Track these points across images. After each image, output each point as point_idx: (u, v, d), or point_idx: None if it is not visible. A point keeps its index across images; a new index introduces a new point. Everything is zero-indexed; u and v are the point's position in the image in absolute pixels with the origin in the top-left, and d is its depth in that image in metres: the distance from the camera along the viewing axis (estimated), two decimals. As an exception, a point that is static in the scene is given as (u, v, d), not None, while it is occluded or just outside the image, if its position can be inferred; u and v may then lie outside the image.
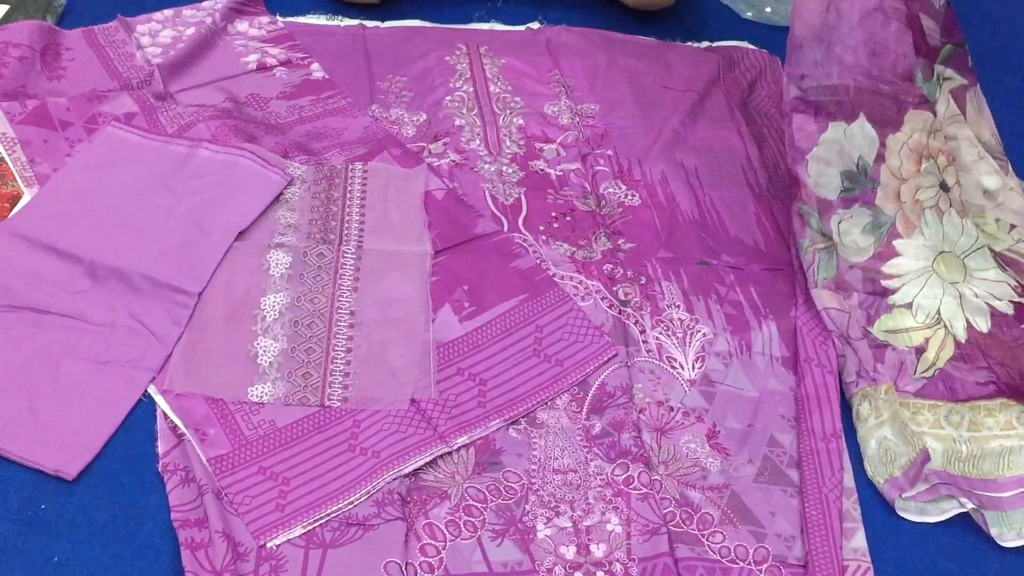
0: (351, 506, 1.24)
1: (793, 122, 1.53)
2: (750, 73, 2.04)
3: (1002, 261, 1.51)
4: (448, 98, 1.88)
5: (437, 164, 1.73)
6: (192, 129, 1.70)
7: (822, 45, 1.50)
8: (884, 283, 1.49)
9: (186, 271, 1.45)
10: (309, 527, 1.21)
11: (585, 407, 1.40)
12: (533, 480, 1.31)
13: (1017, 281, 1.49)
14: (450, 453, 1.32)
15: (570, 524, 1.27)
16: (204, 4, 2.01)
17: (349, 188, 1.64)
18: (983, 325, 1.45)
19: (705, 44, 2.13)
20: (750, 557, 1.26)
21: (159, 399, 1.33)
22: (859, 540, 1.29)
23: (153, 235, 1.50)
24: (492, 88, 1.93)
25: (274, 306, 1.44)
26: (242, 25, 1.99)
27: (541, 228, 1.64)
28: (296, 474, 1.26)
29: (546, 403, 1.39)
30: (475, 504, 1.28)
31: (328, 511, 1.23)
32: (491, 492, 1.29)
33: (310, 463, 1.28)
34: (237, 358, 1.37)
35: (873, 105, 1.51)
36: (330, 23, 2.06)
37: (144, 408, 1.33)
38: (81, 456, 1.25)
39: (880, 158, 1.53)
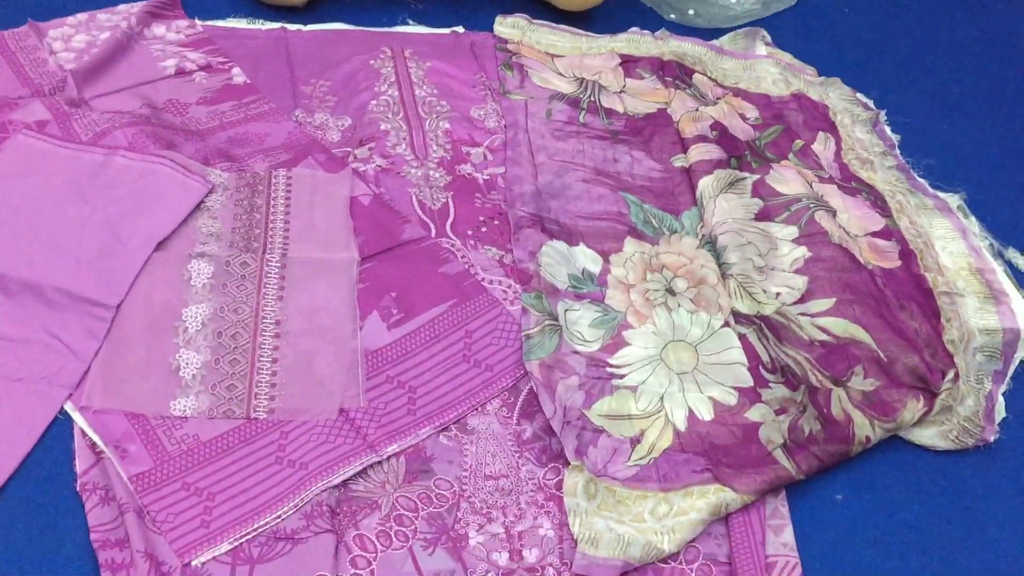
0: (279, 520, 1.22)
1: (524, 233, 1.62)
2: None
3: (770, 326, 1.52)
4: (373, 102, 1.87)
5: (363, 169, 1.72)
6: (108, 136, 1.66)
7: (545, 196, 1.70)
8: (609, 370, 1.46)
9: (103, 283, 1.41)
10: (236, 543, 1.19)
11: (516, 412, 1.40)
12: (465, 487, 1.31)
13: (776, 347, 1.50)
14: (380, 462, 1.31)
15: (502, 530, 1.27)
16: (119, 8, 1.96)
17: (273, 195, 1.62)
18: (706, 414, 1.42)
19: (630, 46, 2.16)
20: (681, 556, 1.28)
21: (76, 416, 1.29)
22: (787, 536, 1.32)
23: (68, 247, 1.46)
24: (418, 92, 1.92)
25: (196, 317, 1.41)
26: (159, 29, 1.95)
27: (469, 232, 1.64)
28: (221, 489, 1.24)
29: (477, 409, 1.39)
30: (406, 513, 1.27)
31: (255, 526, 1.21)
32: (422, 500, 1.29)
33: (236, 477, 1.25)
34: (158, 371, 1.34)
35: (592, 234, 1.67)
36: (251, 26, 2.02)
37: (61, 426, 1.30)
38: (-6, 478, 1.21)
39: (606, 270, 1.61)
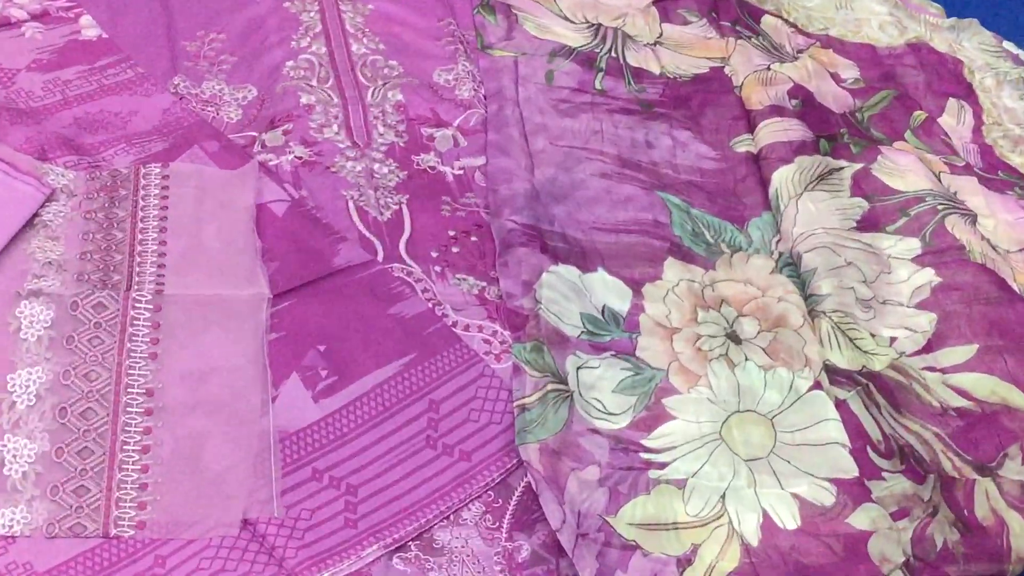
0: None
1: (516, 253, 1.64)
2: None
3: (881, 387, 1.55)
4: (290, 64, 1.88)
5: (275, 163, 1.73)
6: None
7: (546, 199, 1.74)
8: (645, 456, 1.47)
9: None
10: None
11: (506, 521, 1.41)
12: (431, 635, 1.31)
13: (891, 419, 1.53)
14: (305, 600, 1.31)
15: None
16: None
17: (142, 203, 1.63)
18: (789, 520, 1.43)
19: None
20: None
21: None
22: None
23: None
24: (355, 47, 1.94)
25: (28, 386, 1.41)
26: (-31, -41, 1.97)
27: (434, 255, 1.65)
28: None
29: (448, 517, 1.39)
30: (344, 676, 1.27)
31: None
32: (368, 656, 1.29)
33: (89, 626, 1.25)
34: (-28, 469, 1.35)
35: (616, 254, 1.70)
36: (109, -45, 2.05)
37: None
38: None
39: (638, 308, 1.63)
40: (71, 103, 1.78)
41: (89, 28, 1.90)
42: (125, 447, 1.38)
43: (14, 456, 1.36)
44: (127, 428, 1.40)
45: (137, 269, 1.55)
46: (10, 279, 1.51)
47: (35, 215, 1.58)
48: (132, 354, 1.46)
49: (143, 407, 1.42)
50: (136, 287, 1.53)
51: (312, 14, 1.98)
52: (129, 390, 1.43)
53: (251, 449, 1.40)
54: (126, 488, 1.35)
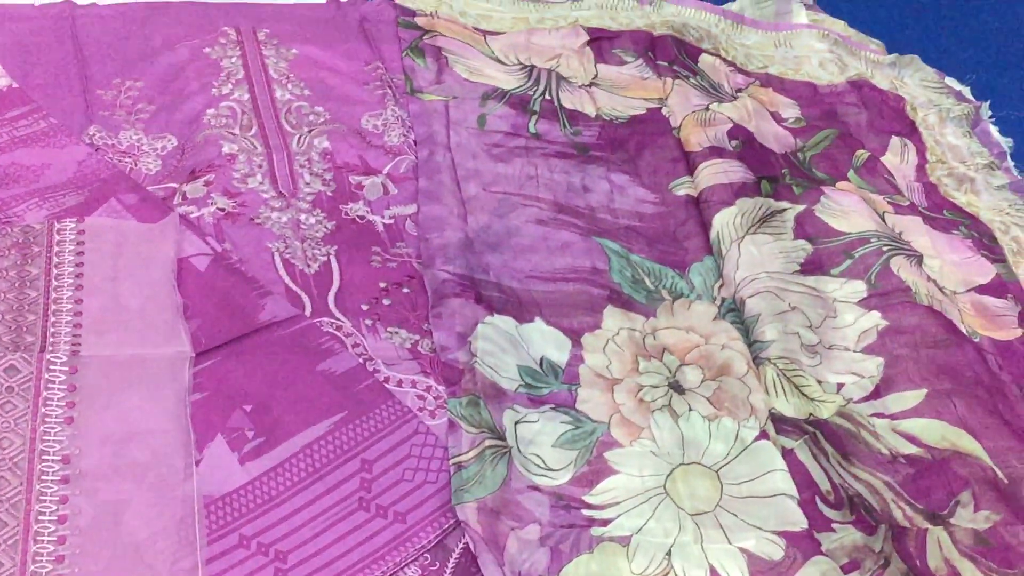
0: None
1: (449, 305, 1.65)
2: None
3: (829, 435, 1.57)
4: (211, 111, 1.88)
5: (197, 215, 1.73)
6: None
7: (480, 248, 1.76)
8: (587, 513, 1.47)
9: None
10: None
11: (444, 585, 1.41)
12: None
13: (840, 468, 1.55)
14: (233, 675, 1.30)
15: None
16: None
17: (56, 260, 1.62)
18: (737, 574, 1.43)
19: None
20: None
21: None
22: None
23: None
24: (280, 93, 1.94)
25: (-63, 456, 1.40)
26: None
27: (364, 308, 1.66)
28: None
29: (383, 583, 1.39)
30: None
31: None
32: None
33: None
34: None
35: (554, 303, 1.72)
36: (19, 0, 2.04)
37: None
38: None
39: (577, 359, 1.65)
40: (-19, 155, 1.77)
41: (-1, 78, 1.89)
42: (40, 517, 1.37)
43: (-78, 530, 1.34)
44: (42, 497, 1.38)
45: (52, 329, 1.54)
46: (-84, 342, 1.50)
47: (-57, 274, 1.57)
48: (47, 419, 1.45)
49: (59, 475, 1.40)
50: (51, 348, 1.52)
51: (234, 59, 1.98)
52: (44, 457, 1.42)
53: (175, 516, 1.39)
54: (41, 561, 1.33)
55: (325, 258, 1.71)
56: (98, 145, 1.82)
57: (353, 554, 1.40)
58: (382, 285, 1.69)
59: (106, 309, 1.57)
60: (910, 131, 2.08)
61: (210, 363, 1.54)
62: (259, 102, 1.92)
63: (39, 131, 1.82)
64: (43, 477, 1.40)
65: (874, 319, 1.70)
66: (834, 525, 1.49)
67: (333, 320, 1.63)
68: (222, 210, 1.74)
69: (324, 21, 2.11)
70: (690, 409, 1.59)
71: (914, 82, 2.18)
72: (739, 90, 2.11)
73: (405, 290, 1.69)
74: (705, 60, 2.15)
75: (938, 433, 1.56)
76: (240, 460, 1.46)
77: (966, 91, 2.17)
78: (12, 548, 1.34)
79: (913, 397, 1.60)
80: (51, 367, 1.50)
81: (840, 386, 1.62)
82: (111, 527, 1.37)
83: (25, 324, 1.54)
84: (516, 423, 1.53)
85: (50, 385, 1.48)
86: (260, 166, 1.82)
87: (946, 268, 1.80)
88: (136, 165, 1.80)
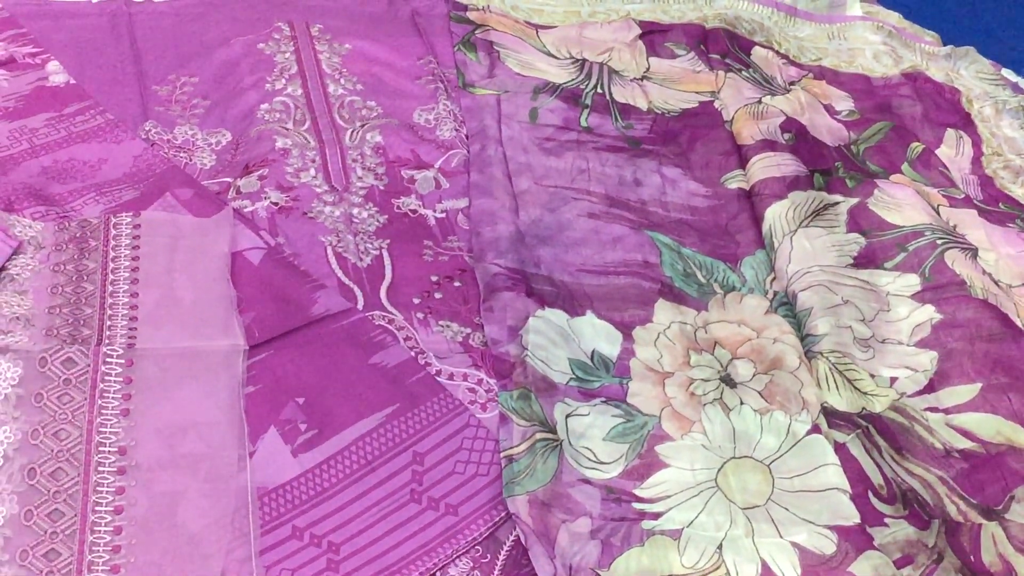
0: None
1: (501, 298, 1.66)
2: None
3: (882, 430, 1.57)
4: (264, 107, 1.90)
5: (251, 209, 1.74)
6: None
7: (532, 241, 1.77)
8: (638, 506, 1.48)
9: None
10: None
11: (495, 577, 1.41)
12: None
13: (893, 462, 1.55)
14: (286, 664, 1.31)
15: None
16: None
17: (113, 254, 1.63)
18: (789, 570, 1.42)
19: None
20: None
21: None
22: None
23: None
24: (332, 88, 1.95)
25: (-4, 447, 1.42)
26: (-66, 6, 1.99)
27: (416, 301, 1.66)
28: None
29: (435, 574, 1.39)
30: None
31: None
32: None
33: None
34: (-62, 534, 1.35)
35: (605, 297, 1.72)
36: (75, -2, 2.07)
37: None
38: None
39: (628, 352, 1.65)
40: (39, 152, 1.79)
41: (56, 74, 1.91)
42: (97, 508, 1.38)
43: (-18, 520, 1.36)
44: (99, 488, 1.40)
45: (108, 323, 1.56)
46: (-24, 335, 1.52)
47: (1, 269, 1.59)
48: (103, 411, 1.46)
49: (115, 466, 1.42)
50: (107, 341, 1.53)
51: (287, 55, 2.00)
52: (101, 448, 1.43)
53: (228, 507, 1.40)
54: (98, 551, 1.35)
55: (377, 252, 1.72)
56: (154, 140, 1.83)
57: (405, 546, 1.41)
58: (434, 279, 1.70)
59: (161, 302, 1.59)
60: (965, 123, 2.06)
61: (263, 356, 1.55)
62: (312, 97, 1.93)
63: (96, 127, 1.84)
64: (100, 468, 1.42)
65: (928, 313, 1.69)
66: (887, 520, 1.48)
67: (385, 313, 1.64)
68: (275, 204, 1.76)
69: (377, 16, 2.11)
70: (741, 403, 1.59)
71: (969, 74, 2.16)
72: (792, 83, 2.10)
73: (456, 284, 1.70)
74: (758, 53, 2.14)
75: (993, 427, 1.55)
76: (293, 452, 1.47)
77: (1023, 82, 2.15)
78: (70, 538, 1.36)
79: (968, 391, 1.59)
80: (107, 360, 1.51)
81: (893, 380, 1.61)
82: (166, 518, 1.39)
83: (82, 317, 1.56)
84: (567, 416, 1.54)
85: (106, 377, 1.50)
86: (313, 160, 1.83)
87: (1002, 261, 1.79)
88: (191, 160, 1.82)
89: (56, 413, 1.45)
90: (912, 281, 1.73)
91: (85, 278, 1.60)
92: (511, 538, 1.43)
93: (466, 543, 1.42)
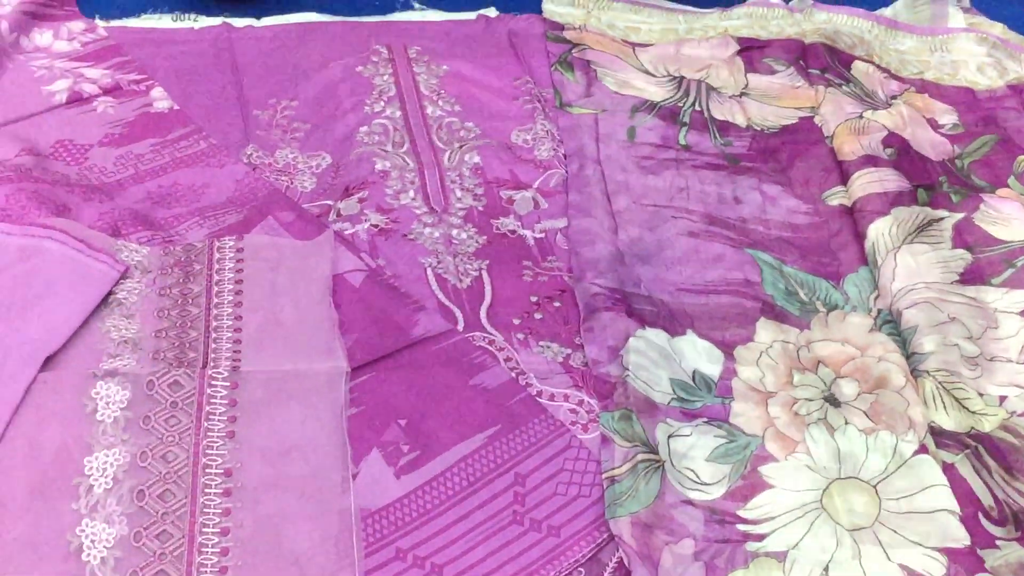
0: None
1: (601, 318, 1.65)
2: None
3: (992, 450, 1.54)
4: (363, 129, 1.91)
5: (351, 232, 1.76)
6: (-31, 200, 1.71)
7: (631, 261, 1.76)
8: (742, 528, 1.47)
9: (-36, 422, 1.45)
10: None
11: (598, 599, 1.41)
12: None
13: (1003, 483, 1.51)
14: None
15: None
16: (-17, 7, 2.05)
17: (217, 277, 1.66)
18: None
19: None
20: None
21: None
22: None
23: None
24: (431, 110, 1.96)
25: (105, 469, 1.43)
26: (43, 36, 2.03)
27: (516, 322, 1.67)
28: None
29: (538, 596, 1.40)
30: None
31: None
32: None
33: None
34: (50, 553, 1.36)
35: (706, 316, 1.70)
36: (179, 25, 2.10)
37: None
38: None
39: (730, 372, 1.63)
40: (144, 177, 1.82)
41: (161, 100, 1.94)
42: (204, 529, 1.40)
43: (92, 541, 1.38)
44: (206, 510, 1.42)
45: (213, 345, 1.58)
46: (85, 360, 1.54)
47: (110, 293, 1.61)
48: (209, 433, 1.48)
49: (222, 487, 1.44)
50: (212, 364, 1.55)
51: (385, 78, 2.01)
52: (207, 470, 1.45)
53: (332, 528, 1.41)
54: (206, 572, 1.36)
55: (477, 273, 1.73)
56: (255, 164, 1.86)
57: (507, 567, 1.40)
58: (533, 299, 1.70)
59: (264, 325, 1.61)
60: (1076, 136, 2.03)
61: (365, 378, 1.57)
62: (411, 119, 1.95)
63: (199, 151, 1.87)
64: (207, 490, 1.43)
65: None
66: (998, 542, 1.45)
67: (485, 334, 1.64)
68: (376, 226, 1.77)
69: (473, 37, 2.12)
70: (846, 423, 1.57)
71: (1081, 86, 2.13)
72: (893, 97, 2.08)
73: (556, 304, 1.70)
74: (858, 67, 2.12)
75: None
76: (396, 474, 1.47)
77: None
78: (178, 560, 1.37)
79: None
80: (213, 382, 1.53)
81: (1002, 399, 1.58)
82: (272, 539, 1.40)
83: (188, 340, 1.58)
84: (669, 437, 1.53)
85: (212, 400, 1.51)
86: (412, 182, 1.84)
87: (1113, 277, 1.76)
88: (292, 183, 1.84)
89: (164, 435, 1.47)
90: (1020, 297, 1.70)
91: (190, 301, 1.63)
92: (614, 560, 1.43)
93: (568, 565, 1.42)
